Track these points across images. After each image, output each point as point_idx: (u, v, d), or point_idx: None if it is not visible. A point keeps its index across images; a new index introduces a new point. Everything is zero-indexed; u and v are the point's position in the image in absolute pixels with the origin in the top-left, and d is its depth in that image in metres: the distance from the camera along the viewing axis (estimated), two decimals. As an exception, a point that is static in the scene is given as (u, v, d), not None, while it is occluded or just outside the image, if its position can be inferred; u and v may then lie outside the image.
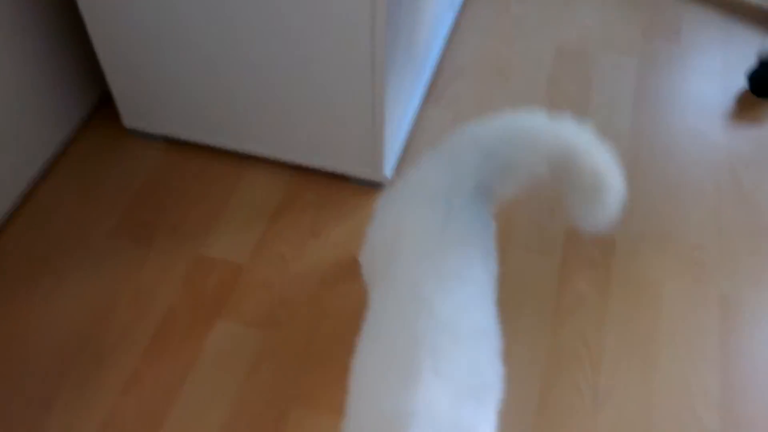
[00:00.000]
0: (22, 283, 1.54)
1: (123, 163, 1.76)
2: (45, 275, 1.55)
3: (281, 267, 1.56)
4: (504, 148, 1.11)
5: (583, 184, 1.07)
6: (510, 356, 1.43)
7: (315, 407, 1.36)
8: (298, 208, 1.67)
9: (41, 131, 1.69)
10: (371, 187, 1.70)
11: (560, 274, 1.56)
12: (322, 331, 1.46)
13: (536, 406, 1.37)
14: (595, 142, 1.07)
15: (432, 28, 1.86)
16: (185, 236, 1.61)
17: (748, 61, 2.01)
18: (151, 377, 1.40)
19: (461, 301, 0.96)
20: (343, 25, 1.35)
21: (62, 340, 1.45)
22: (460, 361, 0.92)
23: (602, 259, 1.58)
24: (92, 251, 1.59)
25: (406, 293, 0.97)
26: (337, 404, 1.36)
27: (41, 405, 1.36)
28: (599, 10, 2.19)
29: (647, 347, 1.45)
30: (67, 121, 1.77)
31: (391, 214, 1.12)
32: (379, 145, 1.57)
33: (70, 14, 1.68)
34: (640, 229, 1.64)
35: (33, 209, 1.67)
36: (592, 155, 1.06)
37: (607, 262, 1.58)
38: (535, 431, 1.33)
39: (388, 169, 1.66)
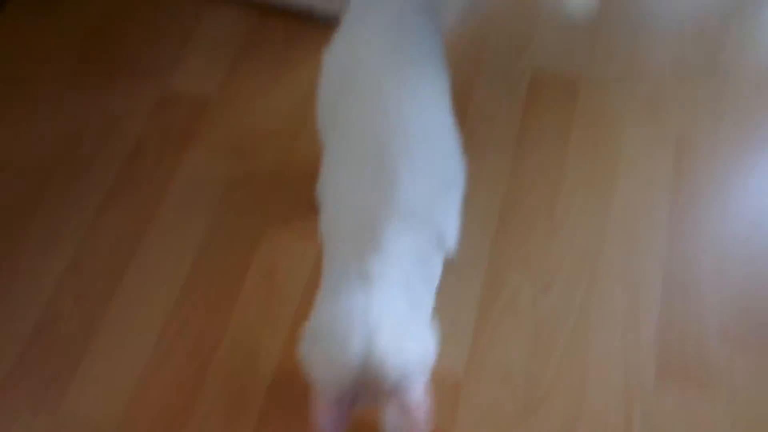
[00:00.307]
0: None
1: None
2: (11, 104, 1.55)
3: (249, 102, 1.58)
4: None
5: None
6: (471, 187, 1.49)
7: (287, 230, 1.42)
8: (264, 46, 1.67)
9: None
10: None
11: (524, 112, 1.60)
12: (291, 161, 1.50)
13: (495, 230, 1.44)
14: None
15: None
16: (150, 71, 1.61)
17: None
18: (126, 200, 1.44)
19: (425, 101, 1.00)
20: None
21: (33, 165, 1.47)
22: (430, 159, 0.96)
23: (565, 98, 1.63)
24: (57, 84, 1.58)
25: (370, 99, 1.00)
26: (309, 227, 1.42)
27: (19, 223, 1.41)
28: None
29: (604, 181, 1.52)
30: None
31: (347, 36, 1.13)
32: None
33: None
34: (603, 71, 1.67)
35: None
36: None
37: (570, 102, 1.62)
38: (493, 252, 1.42)
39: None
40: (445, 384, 1.27)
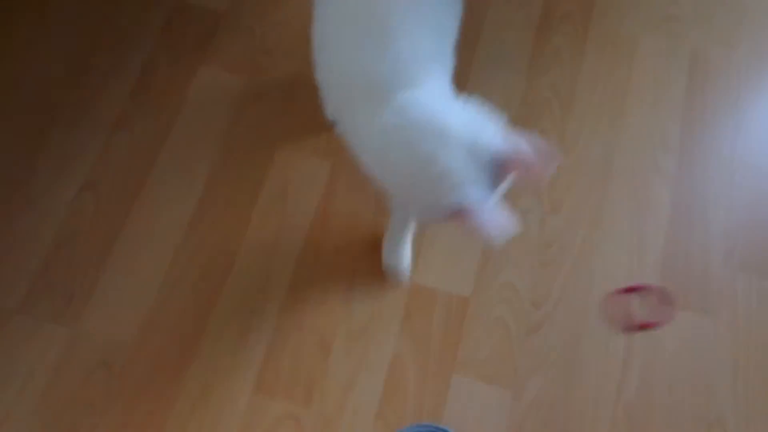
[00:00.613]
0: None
1: None
2: (22, 23, 1.53)
3: (262, 15, 1.55)
4: None
5: None
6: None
7: (299, 148, 1.43)
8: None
9: None
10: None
11: (538, 29, 1.57)
12: (303, 76, 1.49)
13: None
14: None
15: None
16: (161, -17, 1.58)
17: None
18: (139, 118, 1.45)
19: None
20: None
21: (47, 85, 1.47)
22: (423, 10, 0.97)
23: (580, 13, 1.59)
24: (67, 1, 1.56)
25: None
26: (322, 145, 1.43)
27: (35, 142, 1.42)
28: None
29: (616, 98, 1.51)
30: None
31: None
32: None
33: None
34: (621, -15, 1.64)
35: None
36: None
37: (584, 17, 1.59)
38: (503, 172, 1.43)
39: None
40: (453, 301, 1.31)
